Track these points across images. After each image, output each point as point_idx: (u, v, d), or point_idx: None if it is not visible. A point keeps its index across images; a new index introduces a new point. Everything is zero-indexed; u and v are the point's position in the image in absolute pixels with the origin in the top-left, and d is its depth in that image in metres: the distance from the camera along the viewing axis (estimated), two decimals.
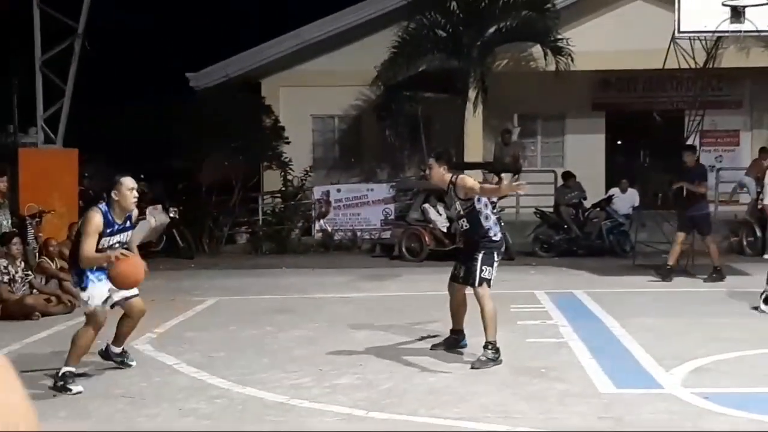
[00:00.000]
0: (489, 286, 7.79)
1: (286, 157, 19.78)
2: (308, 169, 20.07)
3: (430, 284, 12.89)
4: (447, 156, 8.33)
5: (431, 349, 8.41)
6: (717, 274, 12.75)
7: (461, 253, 8.33)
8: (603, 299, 11.07)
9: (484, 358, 7.67)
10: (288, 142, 19.96)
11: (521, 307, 10.51)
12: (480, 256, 7.77)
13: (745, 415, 6.16)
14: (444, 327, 8.87)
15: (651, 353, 7.97)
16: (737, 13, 12.69)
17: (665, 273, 12.75)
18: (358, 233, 18.29)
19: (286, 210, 19.31)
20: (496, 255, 7.87)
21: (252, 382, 7.33)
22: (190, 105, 19.52)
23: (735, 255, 16.03)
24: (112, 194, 7.24)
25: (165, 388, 7.24)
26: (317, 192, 19.12)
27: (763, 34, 13.99)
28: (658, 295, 11.68)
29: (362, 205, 18.55)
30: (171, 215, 16.96)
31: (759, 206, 16.34)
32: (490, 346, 7.70)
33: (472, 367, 7.65)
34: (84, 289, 7.31)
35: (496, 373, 7.51)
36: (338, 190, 19.01)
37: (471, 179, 8.03)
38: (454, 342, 8.40)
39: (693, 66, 14.73)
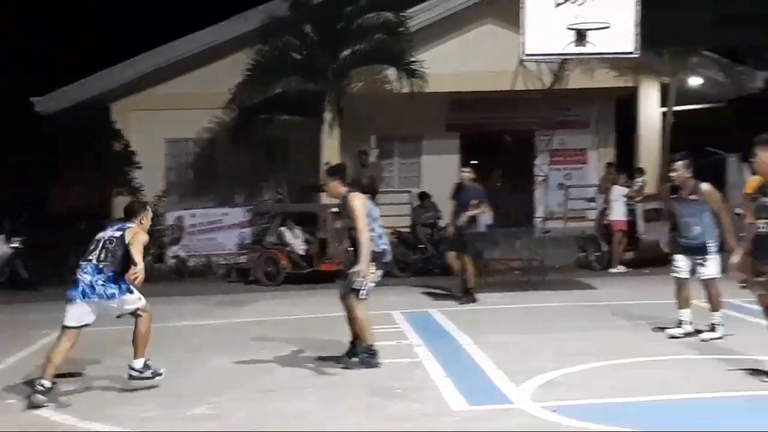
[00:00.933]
0: (358, 296, 8.24)
1: (138, 183, 19.30)
2: (161, 194, 19.62)
3: (288, 308, 12.80)
4: (340, 170, 8.81)
5: (338, 362, 8.48)
6: (469, 297, 12.64)
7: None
8: (457, 317, 11.22)
9: (357, 360, 8.32)
10: (139, 167, 19.49)
11: (378, 328, 10.40)
12: (354, 269, 8.25)
13: (591, 427, 6.33)
14: (301, 351, 8.78)
15: (503, 369, 8.10)
16: (581, 36, 13.12)
17: (466, 297, 12.69)
18: (213, 258, 17.95)
19: None
20: (373, 267, 8.24)
21: (100, 417, 7.06)
22: (36, 131, 18.80)
23: (583, 270, 16.55)
24: (140, 219, 8.05)
25: (2, 428, 6.87)
26: (170, 217, 18.66)
27: (606, 56, 14.57)
28: (511, 311, 11.91)
29: (217, 229, 18.23)
30: (14, 246, 16.25)
31: (605, 222, 17.03)
32: (364, 349, 8.32)
33: (344, 367, 8.25)
34: (132, 291, 7.87)
35: (353, 395, 7.49)
36: (192, 215, 18.61)
37: (360, 204, 8.29)
38: (351, 352, 8.64)
39: (541, 87, 15.18)
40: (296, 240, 16.27)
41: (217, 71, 19.60)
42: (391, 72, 19.03)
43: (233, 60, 19.12)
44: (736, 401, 6.96)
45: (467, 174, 13.14)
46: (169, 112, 20.15)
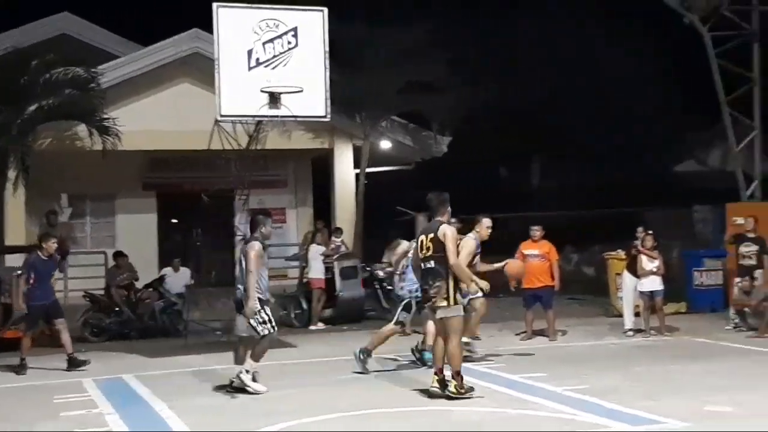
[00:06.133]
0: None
1: None
2: None
3: None
4: None
5: None
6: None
7: None
8: (153, 382, 10.81)
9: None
10: None
11: (66, 398, 9.93)
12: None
13: None
14: None
15: None
16: (274, 99, 13.39)
17: (19, 367, 12.13)
18: None
19: None
20: None
21: None
22: None
23: (284, 327, 16.61)
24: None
25: None
26: None
27: (299, 119, 14.94)
28: (207, 374, 11.54)
29: None
30: None
31: (305, 280, 17.28)
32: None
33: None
34: None
35: None
36: None
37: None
38: None
39: (237, 147, 15.23)
40: None
41: None
42: (82, 128, 18.30)
43: None
44: None
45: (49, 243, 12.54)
46: None
